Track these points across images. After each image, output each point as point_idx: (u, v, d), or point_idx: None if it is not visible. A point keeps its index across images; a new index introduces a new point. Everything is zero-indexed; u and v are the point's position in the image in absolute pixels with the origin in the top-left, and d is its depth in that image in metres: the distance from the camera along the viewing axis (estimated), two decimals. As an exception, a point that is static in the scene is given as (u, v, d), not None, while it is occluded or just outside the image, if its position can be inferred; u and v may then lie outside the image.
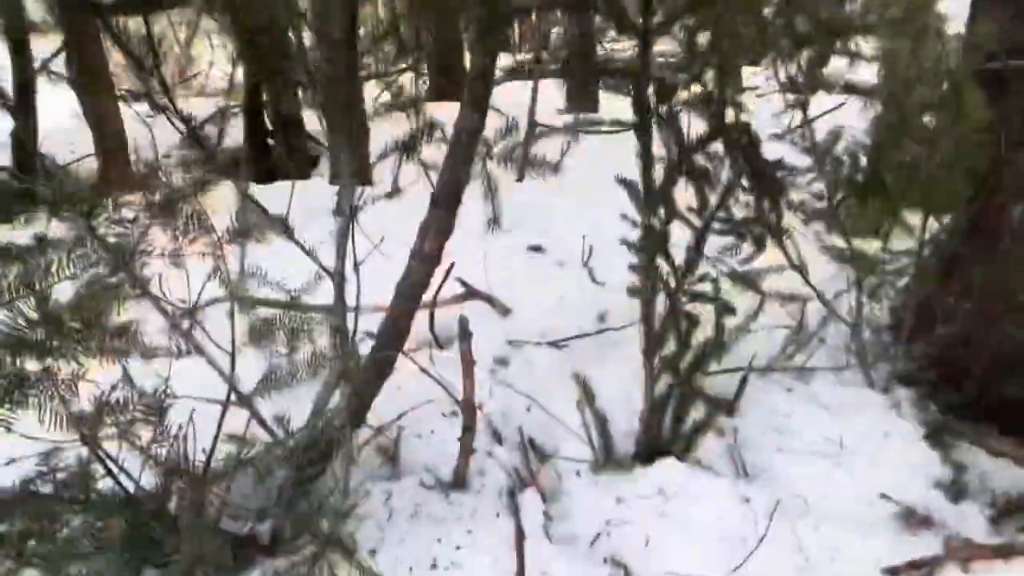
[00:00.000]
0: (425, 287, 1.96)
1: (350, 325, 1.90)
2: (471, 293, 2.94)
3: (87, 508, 1.70)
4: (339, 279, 1.80)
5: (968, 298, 2.46)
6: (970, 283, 2.47)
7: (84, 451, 1.74)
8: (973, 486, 2.18)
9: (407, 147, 1.63)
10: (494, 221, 1.66)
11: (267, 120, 6.05)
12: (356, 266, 1.80)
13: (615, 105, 6.61)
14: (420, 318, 2.84)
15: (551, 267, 3.38)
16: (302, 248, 1.80)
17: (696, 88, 2.20)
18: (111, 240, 1.69)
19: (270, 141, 6.11)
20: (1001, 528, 2.00)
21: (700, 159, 2.24)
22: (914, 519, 1.92)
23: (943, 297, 2.57)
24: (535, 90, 5.40)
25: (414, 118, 1.63)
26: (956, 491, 2.08)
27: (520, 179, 5.00)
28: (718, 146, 2.27)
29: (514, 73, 9.63)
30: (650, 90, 2.03)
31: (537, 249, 3.54)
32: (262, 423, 1.93)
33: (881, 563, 1.78)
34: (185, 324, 1.80)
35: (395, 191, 1.73)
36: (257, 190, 4.82)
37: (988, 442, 2.22)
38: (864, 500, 2.01)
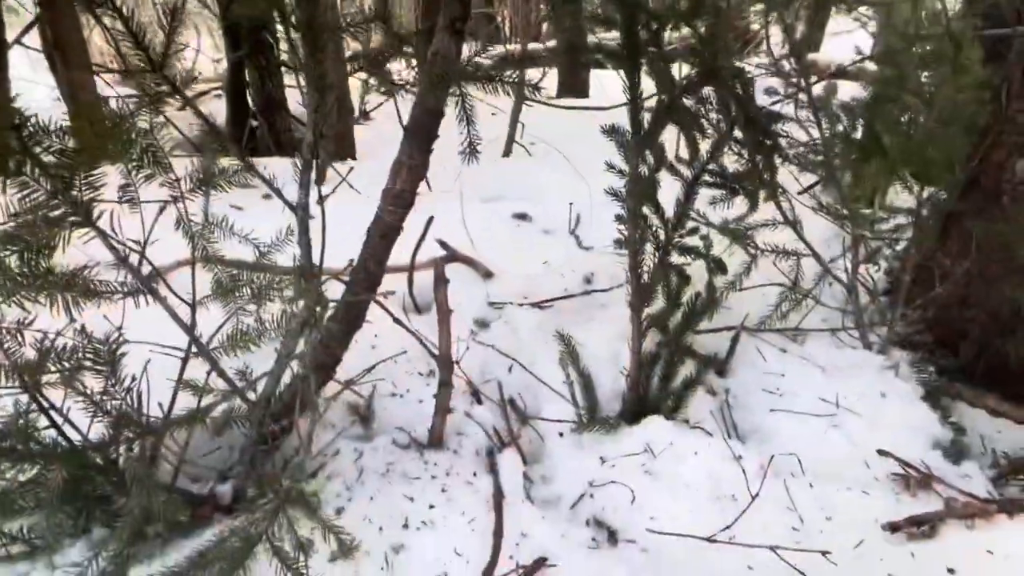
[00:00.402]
0: (397, 230, 1.84)
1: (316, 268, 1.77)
2: (451, 256, 2.82)
3: (25, 458, 1.56)
4: (303, 213, 1.67)
5: (966, 258, 2.37)
6: (968, 242, 2.38)
7: (24, 398, 1.61)
8: (974, 447, 2.09)
9: (374, 63, 1.48)
10: (470, 150, 1.52)
11: (250, 101, 5.92)
12: (321, 199, 1.67)
13: (605, 94, 6.53)
14: (398, 281, 2.73)
15: (537, 234, 3.27)
16: (262, 177, 1.66)
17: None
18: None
19: (253, 123, 5.97)
20: (1004, 489, 1.90)
21: (691, 104, 2.13)
22: (913, 479, 1.82)
23: (941, 258, 2.47)
24: (523, 70, 5.29)
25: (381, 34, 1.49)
26: (957, 452, 1.98)
27: (507, 154, 4.90)
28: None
29: (503, 62, 9.56)
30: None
31: (523, 217, 3.42)
32: (223, 375, 1.80)
33: (879, 521, 1.68)
34: (137, 261, 1.66)
35: (363, 115, 1.58)
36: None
37: (987, 402, 2.12)
38: (860, 460, 1.91)
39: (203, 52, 9.09)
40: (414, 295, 2.73)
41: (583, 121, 5.39)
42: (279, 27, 1.65)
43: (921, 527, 1.63)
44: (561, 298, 2.60)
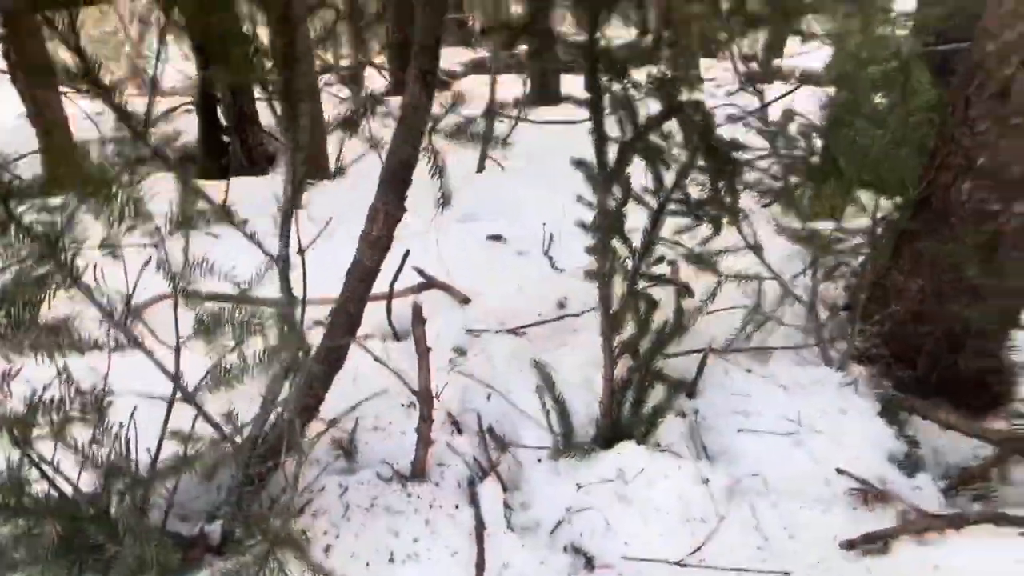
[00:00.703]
0: (376, 273, 1.90)
1: (298, 313, 1.83)
2: (428, 283, 2.89)
3: (19, 513, 1.60)
4: (283, 264, 1.73)
5: (919, 275, 2.50)
6: (921, 261, 2.51)
7: (15, 453, 1.65)
8: (927, 459, 2.21)
9: (349, 123, 1.56)
10: (443, 202, 1.61)
11: (221, 116, 5.90)
12: (301, 250, 1.74)
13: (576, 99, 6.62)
14: (377, 309, 2.79)
15: (511, 256, 3.35)
16: (242, 231, 1.72)
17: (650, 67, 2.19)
18: (38, 227, 1.61)
19: (225, 138, 5.96)
20: (955, 500, 2.02)
21: (655, 138, 2.22)
22: (870, 493, 1.93)
23: (895, 275, 2.60)
24: (494, 81, 5.38)
25: (355, 92, 1.58)
26: (911, 465, 2.10)
27: (480, 170, 4.97)
28: (673, 126, 2.27)
29: (475, 68, 9.61)
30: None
31: (497, 238, 3.50)
32: (209, 420, 1.85)
33: (839, 538, 1.79)
34: (122, 314, 1.71)
35: (339, 171, 1.67)
36: (210, 185, 4.69)
37: (939, 416, 2.24)
38: (822, 477, 2.02)
39: (170, 63, 9.01)
40: (392, 323, 2.80)
41: (555, 130, 5.48)
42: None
43: (875, 543, 1.75)
44: (535, 324, 2.69)
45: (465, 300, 2.87)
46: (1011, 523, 1.73)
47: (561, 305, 2.83)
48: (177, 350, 1.84)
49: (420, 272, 2.92)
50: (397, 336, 2.79)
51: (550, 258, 3.28)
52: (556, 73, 7.71)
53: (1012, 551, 1.66)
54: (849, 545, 1.75)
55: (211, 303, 2.03)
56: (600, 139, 1.98)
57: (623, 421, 2.18)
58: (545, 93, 7.61)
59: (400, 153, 1.78)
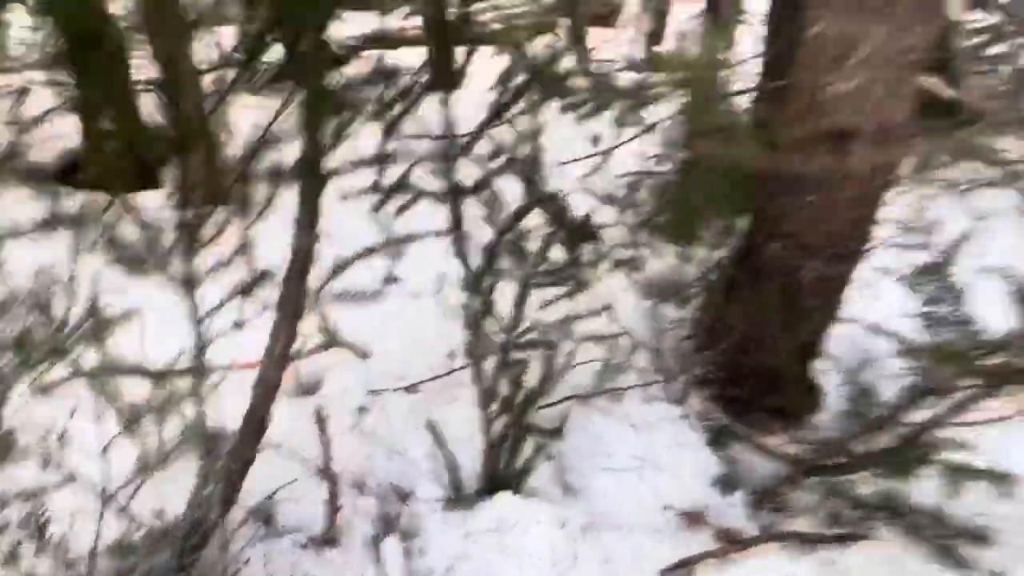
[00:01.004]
0: (278, 387, 2.22)
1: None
2: (332, 341, 3.19)
3: (-19, 636, 1.88)
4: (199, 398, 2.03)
5: (742, 319, 3.03)
6: (743, 305, 3.04)
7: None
8: (747, 475, 2.78)
9: (245, 291, 1.88)
10: (331, 342, 1.97)
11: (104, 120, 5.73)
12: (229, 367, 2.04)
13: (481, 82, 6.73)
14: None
15: (407, 300, 3.66)
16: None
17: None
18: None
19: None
20: (757, 513, 2.60)
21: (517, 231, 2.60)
22: (691, 518, 2.47)
23: (726, 316, 3.13)
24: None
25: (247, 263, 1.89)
26: (726, 485, 2.66)
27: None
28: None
29: (375, 41, 9.49)
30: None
31: (393, 280, 3.79)
32: (140, 526, 2.15)
33: (663, 565, 2.31)
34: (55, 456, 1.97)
35: (239, 325, 1.99)
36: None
37: (751, 439, 2.81)
38: (659, 508, 2.54)
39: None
40: (300, 380, 3.11)
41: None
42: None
43: (687, 567, 2.29)
44: (428, 380, 3.07)
45: (364, 355, 3.21)
46: (781, 539, 2.31)
47: (451, 356, 3.20)
48: (106, 449, 2.13)
49: (324, 331, 3.21)
50: (306, 391, 3.11)
51: (442, 300, 3.62)
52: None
53: (787, 568, 2.24)
54: (669, 572, 2.28)
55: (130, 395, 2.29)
56: (463, 259, 2.34)
57: (500, 472, 2.62)
58: (444, 75, 7.67)
59: (293, 291, 2.08)
